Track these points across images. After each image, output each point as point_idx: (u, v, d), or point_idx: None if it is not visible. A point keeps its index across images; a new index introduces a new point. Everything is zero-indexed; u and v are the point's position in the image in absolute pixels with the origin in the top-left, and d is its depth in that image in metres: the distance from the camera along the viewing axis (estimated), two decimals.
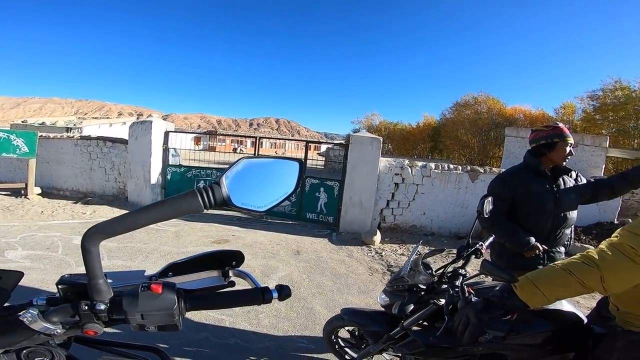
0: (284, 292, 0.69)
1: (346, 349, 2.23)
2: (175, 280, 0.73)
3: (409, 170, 6.10)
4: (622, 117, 18.30)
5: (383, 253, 4.98)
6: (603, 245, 1.09)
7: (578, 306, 1.44)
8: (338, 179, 6.32)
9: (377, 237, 5.46)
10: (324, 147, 23.37)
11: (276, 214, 6.65)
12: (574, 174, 2.13)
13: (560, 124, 2.08)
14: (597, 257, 1.05)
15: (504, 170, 2.43)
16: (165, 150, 7.00)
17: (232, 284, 0.81)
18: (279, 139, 32.68)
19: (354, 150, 5.96)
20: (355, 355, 2.13)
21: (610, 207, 6.24)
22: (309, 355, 2.48)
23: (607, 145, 10.48)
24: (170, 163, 7.09)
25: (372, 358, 2.11)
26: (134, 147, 6.99)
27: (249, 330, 2.70)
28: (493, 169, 6.43)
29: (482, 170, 6.22)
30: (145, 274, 0.73)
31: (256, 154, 6.67)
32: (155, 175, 6.87)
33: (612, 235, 1.12)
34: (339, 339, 2.23)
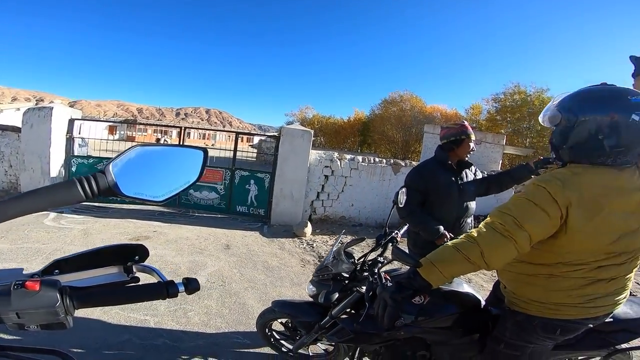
0: (191, 285, 0.66)
1: (282, 341, 2.23)
2: (65, 277, 0.67)
3: (338, 163, 6.31)
4: (518, 119, 21.17)
5: (314, 244, 5.08)
6: (482, 224, 1.21)
7: (483, 289, 1.62)
8: (269, 171, 6.26)
9: (308, 229, 5.56)
10: (256, 139, 22.90)
11: (204, 207, 6.35)
12: (473, 168, 2.39)
13: (466, 123, 2.33)
14: (476, 235, 1.17)
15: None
16: (70, 140, 6.17)
17: (136, 279, 0.75)
18: (206, 129, 30.97)
19: (285, 143, 5.95)
20: (291, 347, 2.14)
21: (504, 199, 7.24)
22: (245, 350, 2.44)
23: (504, 143, 12.23)
24: (76, 154, 6.29)
25: (307, 348, 2.14)
26: (28, 135, 6.02)
27: (178, 330, 2.56)
28: (412, 162, 7.01)
29: (403, 164, 6.73)
30: (25, 272, 0.66)
31: (204, 147, 6.27)
32: (56, 167, 6.01)
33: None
34: (274, 332, 2.22)
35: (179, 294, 0.65)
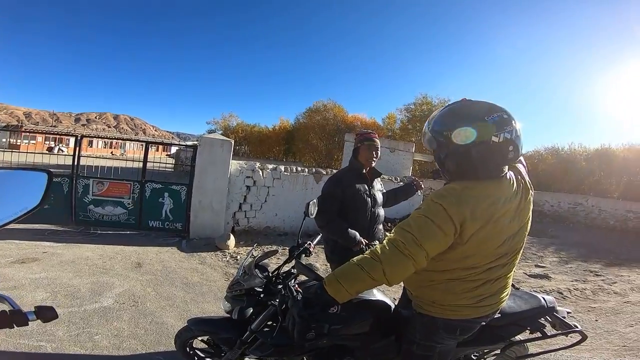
0: (44, 313, 0.64)
1: (207, 359, 2.12)
2: None
3: (260, 173, 6.29)
4: None
5: (238, 257, 4.95)
6: (385, 240, 1.23)
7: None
8: (187, 182, 5.92)
9: (232, 241, 5.40)
10: (174, 149, 21.36)
11: (109, 224, 5.70)
12: (380, 179, 2.55)
13: (369, 131, 2.47)
14: (379, 252, 1.19)
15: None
16: None
17: None
18: (111, 138, 27.64)
19: (204, 153, 5.71)
20: None
21: (417, 204, 8.03)
22: None
23: (414, 151, 13.56)
24: None
25: None
26: None
27: (83, 354, 2.33)
28: (334, 170, 7.35)
29: (324, 172, 7.01)
30: None
31: (76, 156, 5.54)
32: None
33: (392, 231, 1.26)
34: (196, 350, 2.11)
35: (29, 322, 0.63)
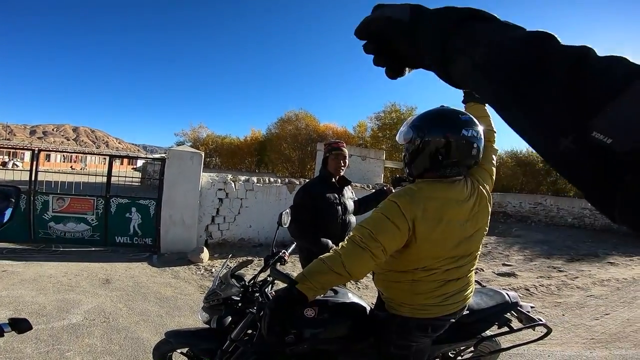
0: (19, 324, 0.65)
1: None
2: None
3: (233, 185, 6.26)
4: (394, 135, 23.78)
5: (213, 269, 4.89)
6: (346, 238, 1.30)
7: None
8: (155, 197, 5.78)
9: (205, 254, 5.32)
10: (140, 162, 20.59)
11: (71, 241, 5.44)
12: (350, 187, 2.64)
13: (337, 140, 2.57)
14: (340, 248, 1.27)
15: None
16: None
17: None
18: (72, 152, 26.08)
19: (173, 166, 5.61)
20: None
21: None
22: None
23: (384, 158, 13.97)
24: None
25: None
26: None
27: None
28: (307, 180, 7.41)
29: (297, 182, 7.07)
30: None
31: (33, 171, 5.28)
32: None
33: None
34: None
35: (4, 333, 0.64)
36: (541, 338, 1.69)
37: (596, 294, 4.85)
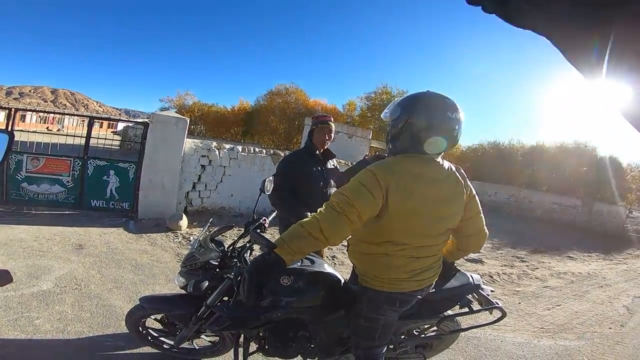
0: None
1: (161, 338, 2.10)
2: None
3: (217, 153, 6.11)
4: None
5: (191, 237, 4.83)
6: (324, 204, 1.35)
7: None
8: (135, 160, 5.60)
9: (184, 222, 5.25)
10: (121, 126, 19.85)
11: (45, 203, 5.23)
12: (334, 160, 2.63)
13: (324, 114, 2.55)
14: (318, 213, 1.32)
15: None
16: None
17: None
18: (49, 112, 24.78)
19: (157, 130, 5.40)
20: (172, 343, 2.03)
21: None
22: (121, 352, 2.23)
23: (370, 138, 13.97)
24: None
25: (192, 341, 2.07)
26: None
27: (23, 339, 2.21)
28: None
29: (282, 154, 6.98)
30: None
31: (10, 130, 4.97)
32: None
33: None
34: (149, 330, 2.07)
35: None
36: (497, 321, 1.77)
37: (552, 285, 5.08)
